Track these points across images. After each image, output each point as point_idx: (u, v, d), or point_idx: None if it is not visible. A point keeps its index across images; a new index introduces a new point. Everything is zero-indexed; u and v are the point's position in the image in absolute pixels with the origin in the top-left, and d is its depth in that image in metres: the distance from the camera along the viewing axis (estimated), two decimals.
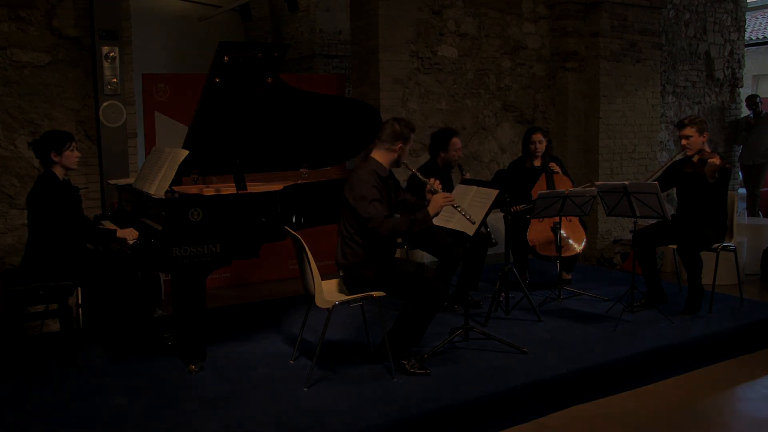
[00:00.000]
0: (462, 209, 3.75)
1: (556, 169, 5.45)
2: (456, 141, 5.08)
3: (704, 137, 4.87)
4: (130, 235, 3.90)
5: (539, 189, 5.30)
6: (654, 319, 4.78)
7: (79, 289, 4.28)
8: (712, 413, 3.81)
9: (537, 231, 5.41)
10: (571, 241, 5.42)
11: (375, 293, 3.75)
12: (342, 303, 3.75)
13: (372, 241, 3.76)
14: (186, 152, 3.95)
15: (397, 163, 3.93)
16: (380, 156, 3.89)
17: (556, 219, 5.21)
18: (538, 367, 3.92)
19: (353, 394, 3.57)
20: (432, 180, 3.88)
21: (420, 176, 3.93)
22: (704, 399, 3.97)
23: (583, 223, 5.57)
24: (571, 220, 5.45)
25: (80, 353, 4.08)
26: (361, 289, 3.79)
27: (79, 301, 4.32)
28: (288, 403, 3.47)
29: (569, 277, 5.72)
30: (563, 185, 5.35)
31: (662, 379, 4.16)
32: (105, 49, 5.00)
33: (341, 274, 3.92)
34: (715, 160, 4.63)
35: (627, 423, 3.61)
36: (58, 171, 4.01)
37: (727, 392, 4.11)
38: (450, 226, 4.09)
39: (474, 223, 3.76)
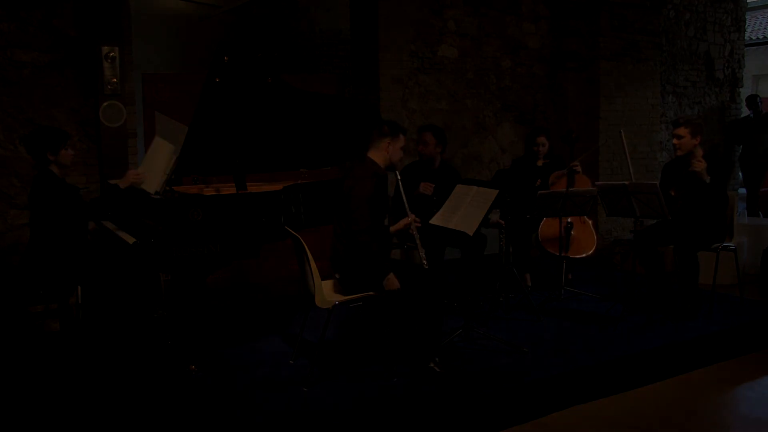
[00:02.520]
0: (419, 241, 3.81)
1: (579, 169, 5.41)
2: (424, 135, 5.14)
3: (697, 140, 4.85)
4: (133, 177, 3.98)
5: (559, 188, 5.27)
6: (654, 319, 4.78)
7: (79, 288, 4.28)
8: (712, 413, 3.81)
9: (549, 227, 5.37)
10: (582, 243, 5.39)
11: (375, 293, 3.75)
12: (342, 303, 3.75)
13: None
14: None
15: (391, 162, 3.96)
16: (375, 156, 3.93)
17: (570, 218, 5.18)
18: (538, 367, 3.92)
19: (353, 394, 3.57)
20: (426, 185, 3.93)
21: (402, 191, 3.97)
22: (704, 399, 3.97)
23: (595, 226, 5.54)
24: (584, 222, 5.43)
25: (80, 353, 4.08)
26: (357, 290, 3.79)
27: (79, 301, 4.32)
28: (288, 404, 3.47)
29: (569, 276, 5.71)
30: (584, 185, 5.31)
31: (662, 379, 4.16)
32: (105, 49, 4.99)
33: (337, 276, 3.93)
34: (696, 166, 4.63)
35: (627, 423, 3.61)
36: (54, 169, 4.03)
37: (727, 392, 4.11)
38: (450, 225, 4.09)
39: (426, 265, 3.79)
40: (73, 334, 4.05)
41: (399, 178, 3.96)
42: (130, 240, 3.80)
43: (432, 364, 3.80)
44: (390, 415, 3.34)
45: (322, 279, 3.83)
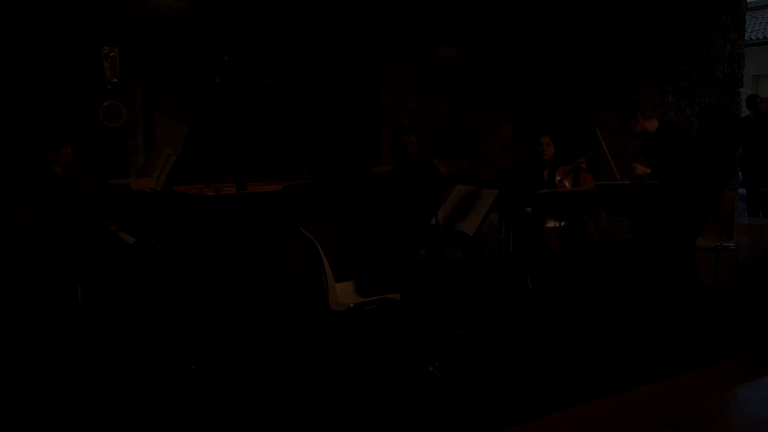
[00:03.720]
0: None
1: (584, 165, 5.38)
2: (409, 136, 5.10)
3: (638, 118, 4.76)
4: (145, 184, 3.95)
5: (564, 186, 5.25)
6: (654, 318, 4.78)
7: (80, 288, 4.28)
8: (712, 413, 3.81)
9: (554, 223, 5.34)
10: (585, 241, 5.38)
11: (391, 296, 3.73)
12: (356, 306, 3.72)
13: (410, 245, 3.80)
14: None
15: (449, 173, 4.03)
16: (440, 164, 4.03)
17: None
18: (538, 367, 3.92)
19: (364, 396, 3.58)
20: None
21: None
22: (704, 399, 3.97)
23: (595, 226, 5.53)
24: (588, 221, 5.41)
25: (80, 352, 4.08)
26: (378, 292, 3.78)
27: (80, 300, 4.32)
28: (300, 406, 3.47)
29: (570, 276, 5.70)
30: (588, 183, 5.29)
31: (662, 379, 4.16)
32: (105, 49, 4.99)
33: (355, 276, 3.90)
34: (637, 171, 4.63)
35: (627, 423, 3.61)
36: (56, 169, 4.05)
37: (727, 392, 4.11)
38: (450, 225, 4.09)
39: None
40: (74, 334, 4.05)
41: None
42: (130, 240, 3.80)
43: (432, 368, 3.79)
44: (393, 416, 3.34)
45: (336, 281, 3.80)
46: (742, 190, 9.36)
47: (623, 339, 4.41)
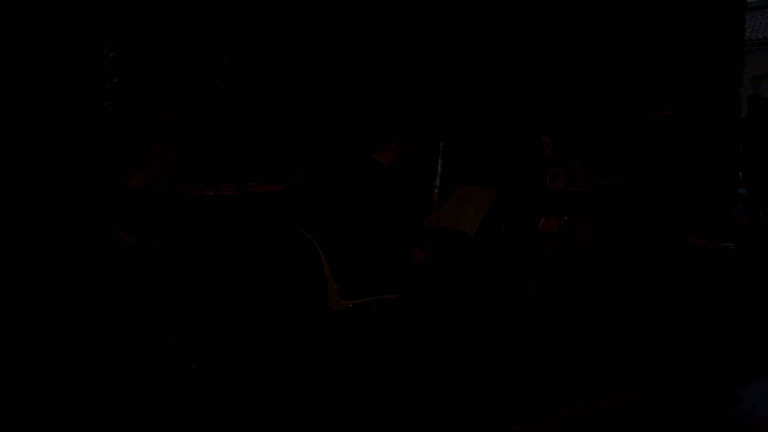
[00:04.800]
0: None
1: (577, 164, 5.37)
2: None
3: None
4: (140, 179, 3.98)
5: (558, 185, 5.25)
6: (654, 318, 4.78)
7: (79, 287, 4.28)
8: (713, 413, 3.81)
9: (549, 222, 5.33)
10: (581, 239, 5.38)
11: (390, 296, 3.72)
12: (355, 306, 3.72)
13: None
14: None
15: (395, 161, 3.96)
16: (381, 156, 3.91)
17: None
18: (538, 366, 3.92)
19: (364, 396, 3.58)
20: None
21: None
22: (704, 399, 3.97)
23: (595, 225, 5.52)
24: (584, 219, 5.40)
25: (80, 352, 4.08)
26: (370, 293, 3.77)
27: (80, 300, 4.32)
28: (296, 407, 3.47)
29: (569, 276, 5.70)
30: (581, 181, 5.29)
31: (662, 380, 4.16)
32: (105, 49, 5.00)
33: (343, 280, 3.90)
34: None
35: (627, 423, 3.61)
36: (56, 168, 4.06)
37: (727, 392, 4.11)
38: (450, 225, 4.09)
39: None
40: (74, 333, 4.05)
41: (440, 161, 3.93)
42: (130, 240, 3.80)
43: (428, 368, 3.79)
44: (393, 416, 3.34)
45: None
46: (742, 190, 9.36)
47: (623, 339, 4.40)
